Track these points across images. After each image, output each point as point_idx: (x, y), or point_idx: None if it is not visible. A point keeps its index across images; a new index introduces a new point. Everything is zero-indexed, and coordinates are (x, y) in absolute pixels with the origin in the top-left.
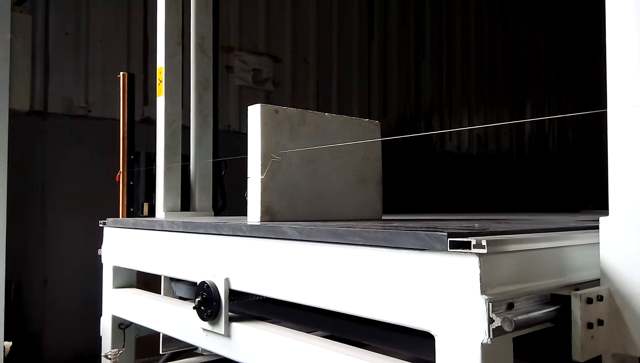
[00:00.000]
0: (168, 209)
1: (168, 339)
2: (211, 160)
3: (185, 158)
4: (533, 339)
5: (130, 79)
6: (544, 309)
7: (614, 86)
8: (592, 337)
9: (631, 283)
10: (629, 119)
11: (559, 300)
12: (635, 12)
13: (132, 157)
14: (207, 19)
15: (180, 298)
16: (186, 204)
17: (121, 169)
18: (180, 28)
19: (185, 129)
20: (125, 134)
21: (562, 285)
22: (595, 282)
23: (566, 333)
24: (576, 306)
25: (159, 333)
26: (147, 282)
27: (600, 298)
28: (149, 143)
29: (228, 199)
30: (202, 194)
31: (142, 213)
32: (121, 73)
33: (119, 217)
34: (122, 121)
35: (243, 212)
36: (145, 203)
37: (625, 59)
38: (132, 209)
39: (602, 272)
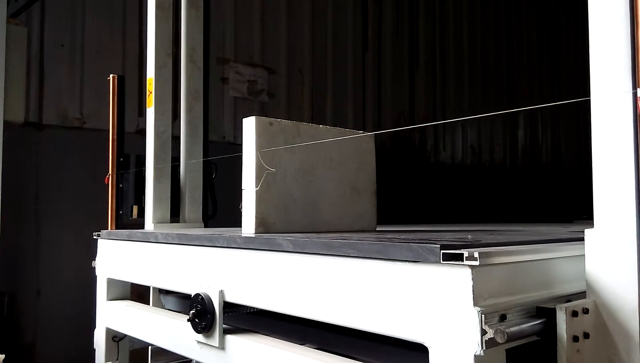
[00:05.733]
0: (157, 221)
1: (157, 352)
2: (201, 159)
3: (176, 168)
4: (522, 353)
5: (120, 81)
6: (532, 321)
7: (597, 87)
8: (577, 350)
9: (617, 296)
10: (613, 132)
11: (545, 313)
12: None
13: (121, 159)
14: (198, 30)
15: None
16: (176, 214)
17: (110, 172)
18: (171, 39)
19: (177, 139)
20: (115, 137)
21: (554, 296)
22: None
23: (552, 347)
24: (561, 319)
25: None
26: (141, 294)
27: (585, 311)
28: (143, 154)
29: (219, 208)
30: (192, 205)
31: (132, 216)
32: (111, 75)
33: (108, 219)
34: (111, 124)
35: (234, 221)
36: (134, 206)
37: (608, 67)
38: (121, 212)
39: (588, 285)
